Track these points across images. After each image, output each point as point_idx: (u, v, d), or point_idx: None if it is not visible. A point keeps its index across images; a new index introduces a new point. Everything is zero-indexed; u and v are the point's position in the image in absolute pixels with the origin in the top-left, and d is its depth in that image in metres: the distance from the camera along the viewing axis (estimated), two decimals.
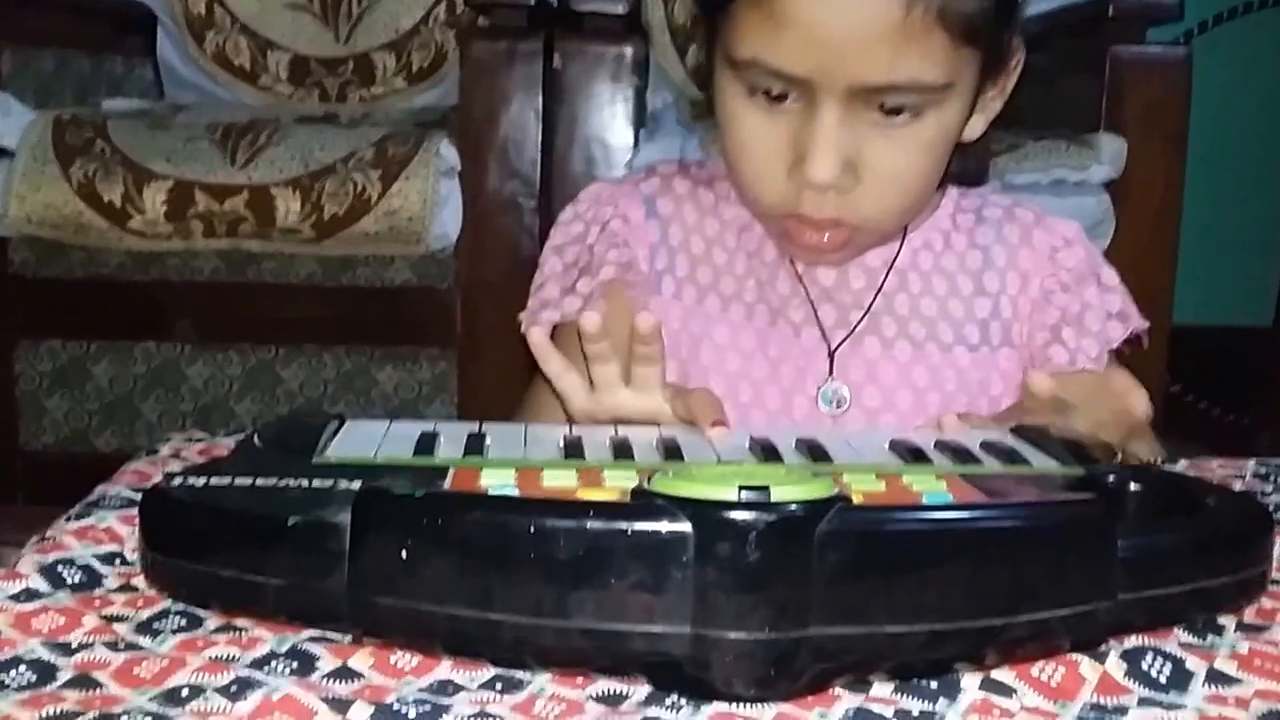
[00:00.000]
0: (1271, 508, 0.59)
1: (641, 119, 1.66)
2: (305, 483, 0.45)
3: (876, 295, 0.80)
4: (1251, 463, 0.66)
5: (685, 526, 0.39)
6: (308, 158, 1.62)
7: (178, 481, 0.45)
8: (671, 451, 0.54)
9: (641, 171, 0.86)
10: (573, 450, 0.53)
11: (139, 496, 0.56)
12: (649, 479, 0.42)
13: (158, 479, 0.60)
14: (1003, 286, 0.82)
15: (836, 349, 0.80)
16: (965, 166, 0.82)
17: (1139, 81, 1.53)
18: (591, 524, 0.39)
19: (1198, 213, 1.74)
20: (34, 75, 1.86)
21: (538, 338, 0.68)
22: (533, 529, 0.39)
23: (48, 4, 2.03)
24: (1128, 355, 0.81)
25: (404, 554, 0.40)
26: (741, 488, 0.40)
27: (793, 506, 0.39)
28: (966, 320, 0.81)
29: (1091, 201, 1.54)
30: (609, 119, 1.61)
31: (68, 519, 0.52)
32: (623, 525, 0.39)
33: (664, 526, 0.39)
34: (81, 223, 1.61)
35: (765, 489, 0.40)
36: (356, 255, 1.64)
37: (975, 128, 0.77)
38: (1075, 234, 0.84)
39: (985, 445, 0.55)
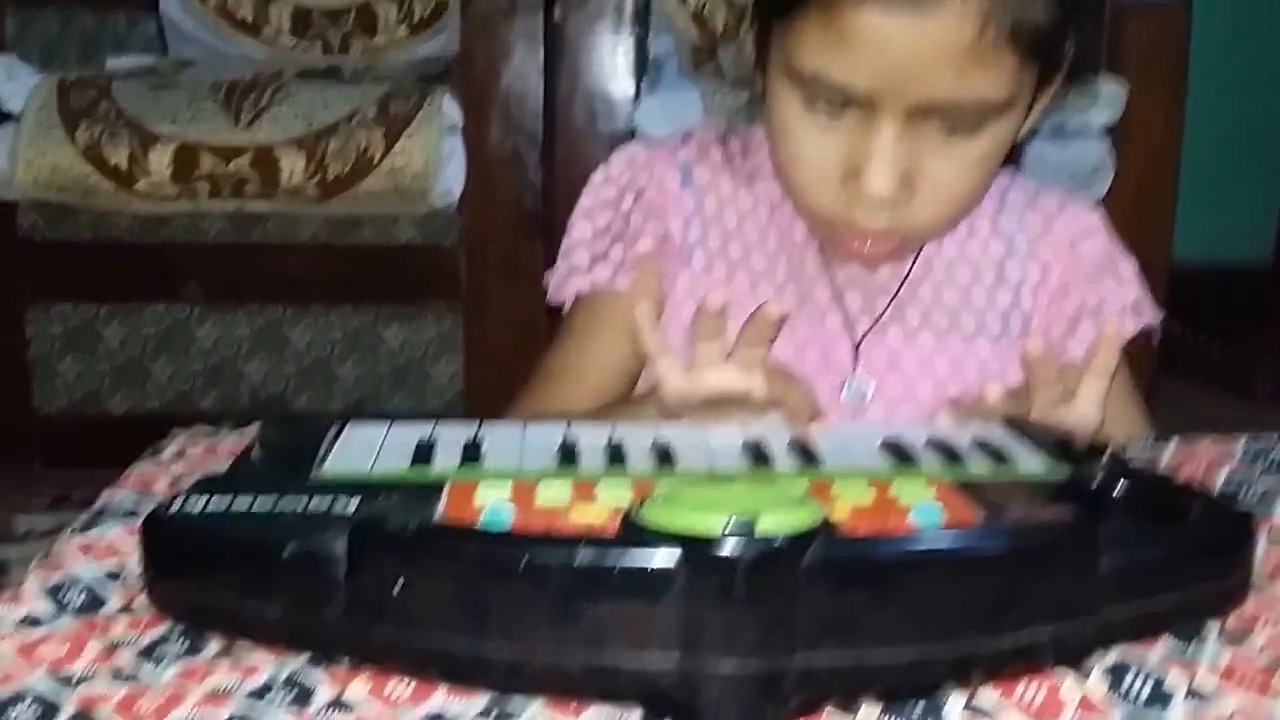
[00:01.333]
0: (1260, 491, 0.59)
1: (643, 68, 1.65)
2: (303, 504, 0.46)
3: (902, 284, 0.80)
4: (1242, 442, 0.65)
5: (673, 560, 0.39)
6: (311, 116, 1.62)
7: (177, 505, 0.46)
8: (664, 457, 0.54)
9: (677, 137, 0.84)
10: (568, 456, 0.54)
11: (143, 505, 0.56)
12: (640, 504, 0.42)
13: (162, 481, 0.61)
14: (1024, 276, 0.81)
15: (861, 341, 0.79)
16: None
17: (1138, 25, 1.51)
18: (581, 558, 0.39)
19: (1198, 150, 1.73)
20: (38, 35, 1.85)
21: (643, 313, 0.65)
22: (524, 564, 0.39)
23: None
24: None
25: (397, 587, 0.40)
26: (727, 521, 0.40)
27: (779, 539, 0.39)
28: (988, 310, 0.80)
29: (1091, 146, 1.53)
30: (610, 71, 1.59)
31: (72, 531, 0.53)
32: (611, 559, 0.39)
33: (652, 560, 0.39)
34: (88, 185, 1.61)
35: (750, 521, 0.40)
36: (361, 214, 1.64)
37: (1028, 125, 0.75)
38: (1097, 223, 0.83)
39: (976, 443, 0.55)
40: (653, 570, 0.39)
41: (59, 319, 1.70)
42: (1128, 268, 0.82)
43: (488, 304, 1.64)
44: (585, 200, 0.83)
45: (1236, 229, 2.34)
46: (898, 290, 0.80)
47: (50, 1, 1.89)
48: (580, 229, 0.82)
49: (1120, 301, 0.81)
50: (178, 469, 0.63)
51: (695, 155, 0.83)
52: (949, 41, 0.65)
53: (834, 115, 0.69)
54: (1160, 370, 1.57)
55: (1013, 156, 0.86)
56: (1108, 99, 1.51)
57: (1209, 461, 0.63)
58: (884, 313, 0.79)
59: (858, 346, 0.79)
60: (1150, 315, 0.81)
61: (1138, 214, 1.49)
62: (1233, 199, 2.34)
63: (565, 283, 0.81)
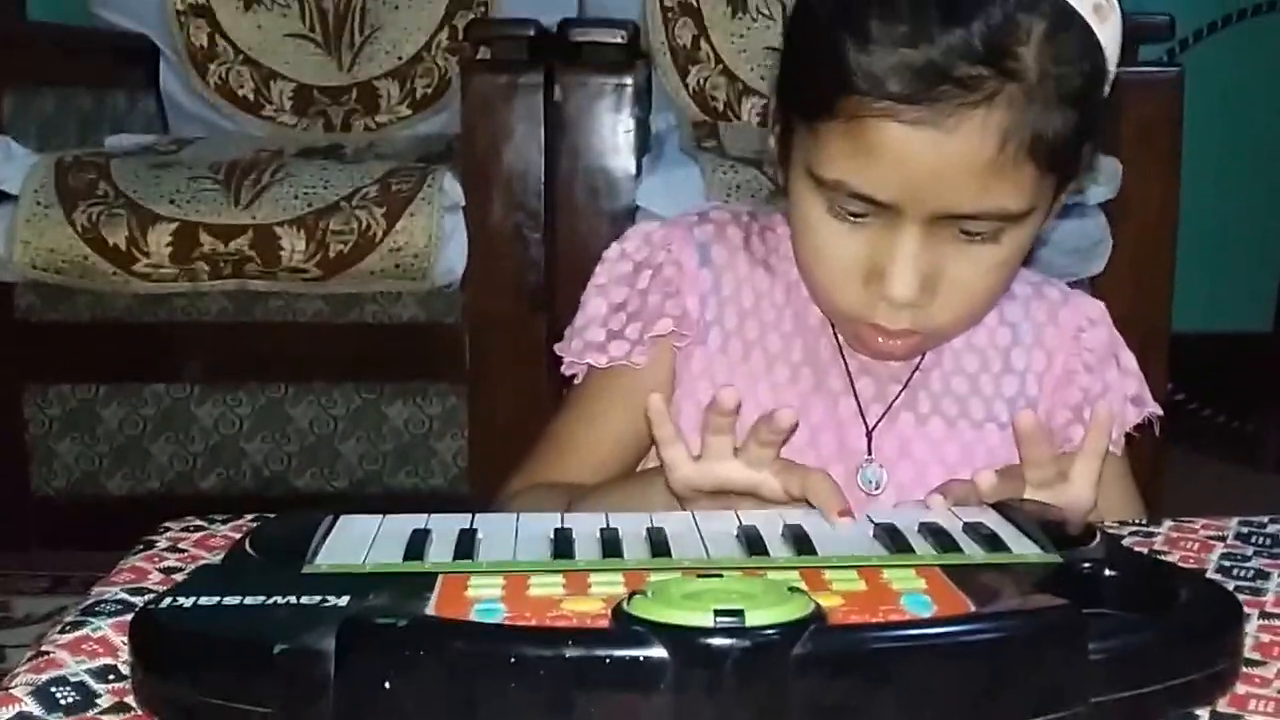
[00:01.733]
0: (1251, 573, 0.60)
1: (644, 144, 1.68)
2: (294, 599, 0.47)
3: (914, 372, 0.81)
4: (1234, 522, 0.66)
5: (662, 653, 0.40)
6: (312, 196, 1.65)
7: (166, 602, 0.47)
8: (659, 546, 0.55)
9: (694, 215, 0.86)
10: (562, 547, 0.54)
11: (134, 599, 0.57)
12: (631, 596, 0.43)
13: (154, 575, 0.62)
14: (1029, 364, 0.83)
15: (874, 428, 0.81)
16: None
17: (1132, 102, 1.55)
18: (570, 652, 0.40)
19: (1197, 220, 1.77)
20: (36, 115, 1.89)
21: (656, 403, 0.67)
22: (513, 658, 0.40)
23: (48, 43, 2.06)
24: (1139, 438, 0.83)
25: (387, 684, 0.41)
26: (717, 612, 0.41)
27: (768, 631, 0.40)
28: (996, 397, 0.82)
29: (1089, 223, 1.55)
30: (611, 149, 1.62)
31: (62, 629, 0.54)
32: (601, 653, 0.40)
33: (641, 653, 0.40)
34: (87, 266, 1.64)
35: (740, 613, 0.41)
36: (363, 292, 1.67)
37: (1047, 226, 0.78)
38: (1100, 314, 0.85)
39: (967, 528, 0.56)
40: (643, 662, 0.40)
41: (57, 400, 1.71)
42: (1129, 359, 0.84)
43: (491, 380, 1.65)
44: (600, 276, 0.85)
45: (1236, 300, 2.38)
46: (909, 378, 0.81)
47: (48, 81, 1.93)
48: (595, 304, 0.84)
49: (1122, 391, 0.83)
50: (171, 562, 0.63)
51: (713, 234, 0.84)
52: (970, 156, 0.67)
53: (856, 219, 0.71)
54: (1165, 441, 1.58)
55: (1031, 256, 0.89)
56: (1105, 176, 1.54)
57: (1202, 542, 0.64)
58: (896, 399, 0.81)
59: (870, 433, 0.80)
60: (1150, 408, 0.83)
61: (1137, 287, 1.51)
62: (1231, 270, 2.38)
63: (580, 358, 0.83)
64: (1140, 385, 0.84)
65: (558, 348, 0.85)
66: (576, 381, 0.85)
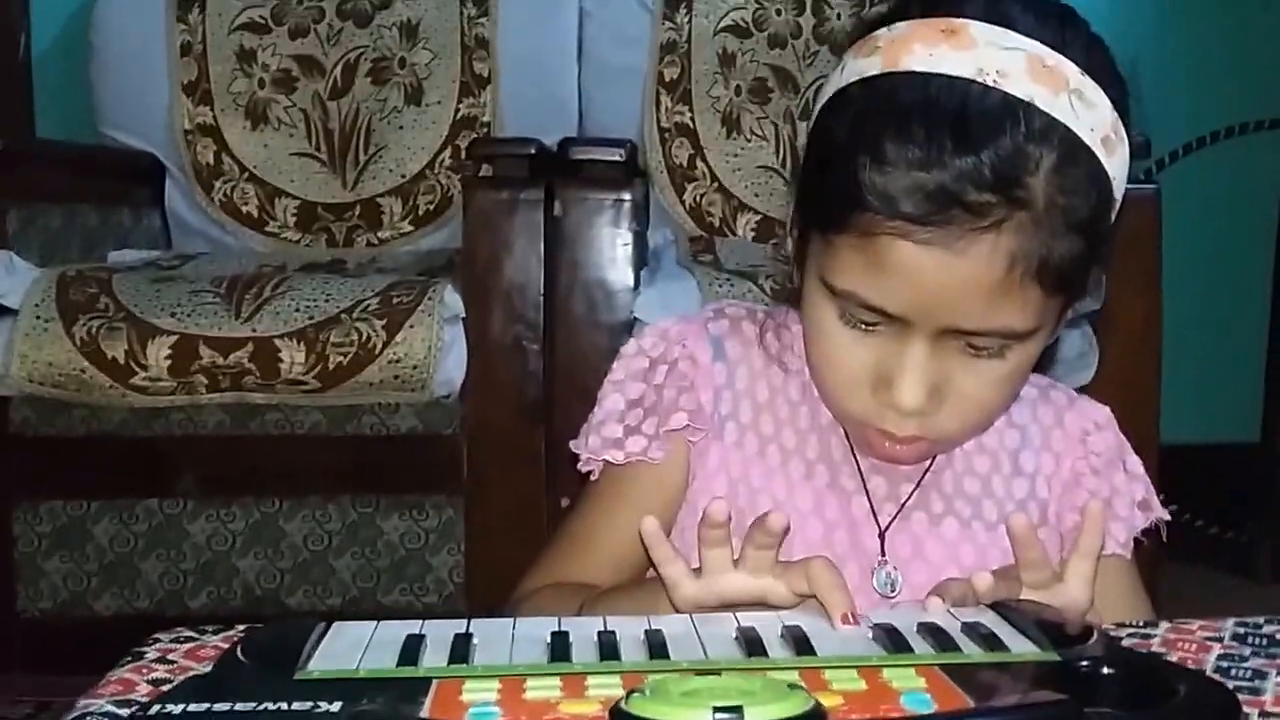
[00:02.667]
0: (1249, 673, 0.59)
1: (642, 260, 1.70)
2: (285, 705, 0.46)
3: (926, 473, 0.82)
4: (1230, 623, 0.66)
5: None
6: (312, 308, 1.66)
7: (155, 710, 0.46)
8: (657, 649, 0.54)
9: (710, 311, 0.88)
10: (559, 651, 0.54)
11: (120, 711, 0.56)
12: (627, 697, 0.43)
13: (142, 687, 0.61)
14: (1038, 467, 0.84)
15: (887, 528, 0.81)
16: None
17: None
18: None
19: (1182, 334, 1.81)
20: (40, 230, 1.92)
21: (649, 526, 0.67)
22: None
23: (55, 161, 2.11)
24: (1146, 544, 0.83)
25: None
26: (715, 709, 0.40)
27: None
28: (1007, 499, 0.83)
29: (1076, 334, 1.57)
30: (610, 263, 1.64)
31: None
32: None
33: None
34: (84, 380, 1.65)
35: (739, 709, 0.40)
36: (361, 404, 1.67)
37: (1052, 339, 0.79)
38: (1105, 419, 0.86)
39: (966, 628, 0.56)
40: None
41: (48, 517, 1.70)
42: (1135, 464, 0.85)
43: (489, 492, 1.65)
44: (617, 372, 0.86)
45: (1223, 411, 2.41)
46: (921, 478, 0.82)
47: (53, 198, 1.96)
48: (613, 400, 0.85)
49: (1129, 495, 0.83)
50: (160, 673, 0.63)
51: (727, 329, 0.86)
52: (978, 278, 0.69)
53: (867, 327, 0.73)
54: (1160, 554, 1.59)
55: (1045, 369, 0.90)
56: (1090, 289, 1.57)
57: (1199, 643, 0.64)
58: (908, 500, 0.82)
59: (883, 533, 0.80)
60: (1158, 513, 0.84)
61: (1124, 398, 1.51)
62: (1217, 382, 2.41)
63: (597, 454, 0.83)
64: (1147, 490, 0.84)
65: (574, 444, 0.86)
66: (593, 478, 0.85)
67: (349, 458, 1.69)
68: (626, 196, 1.64)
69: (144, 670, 0.63)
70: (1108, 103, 0.72)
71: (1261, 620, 0.67)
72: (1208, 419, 2.35)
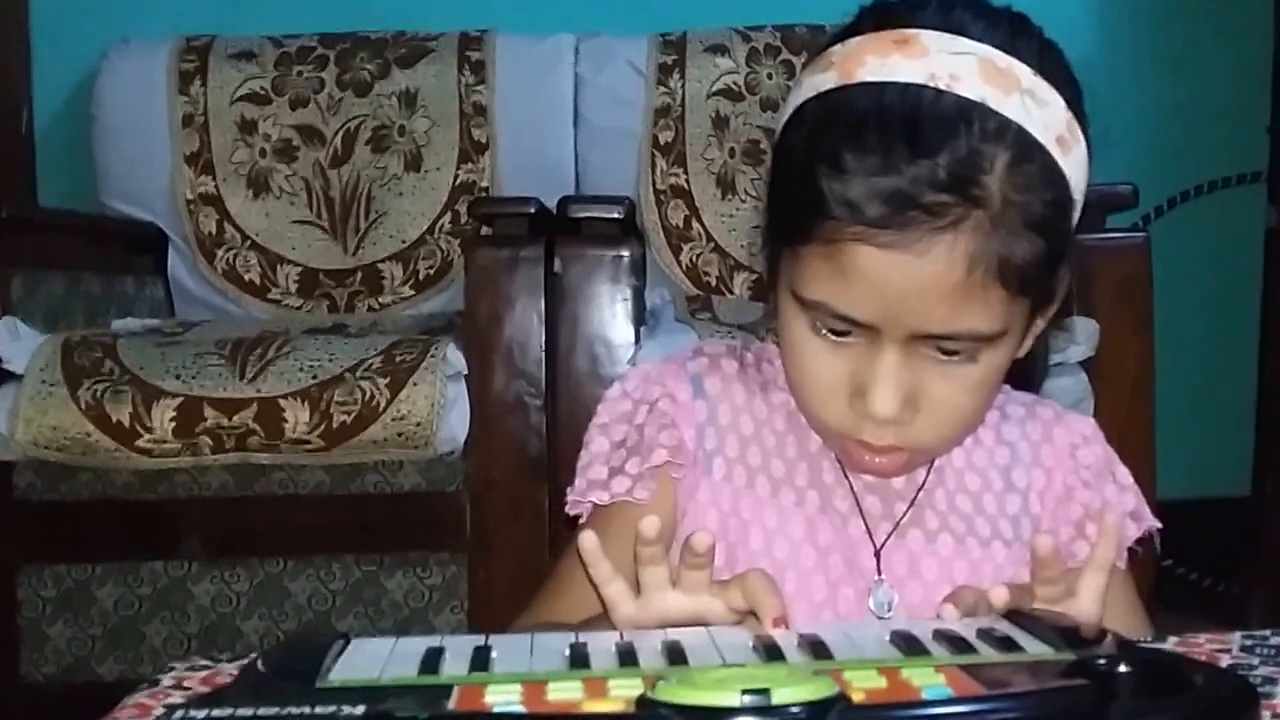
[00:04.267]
0: (1259, 680, 0.59)
1: (641, 317, 1.71)
2: (308, 710, 0.46)
3: (919, 491, 0.83)
4: (1238, 635, 0.66)
5: None
6: (316, 368, 1.67)
7: (178, 715, 0.46)
8: (676, 655, 0.54)
9: (689, 351, 0.89)
10: (578, 659, 0.54)
11: None
12: (653, 686, 0.43)
13: (158, 711, 0.61)
14: (1030, 482, 0.84)
15: (883, 546, 0.81)
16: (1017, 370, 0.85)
17: (1104, 266, 1.61)
18: None
19: (1174, 388, 1.81)
20: (44, 298, 1.92)
21: (587, 542, 0.68)
22: None
23: (58, 229, 2.12)
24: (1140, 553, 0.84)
25: None
26: (743, 691, 0.41)
27: (795, 708, 0.40)
28: (1000, 515, 0.83)
29: (1070, 381, 1.59)
30: (609, 318, 1.65)
31: None
32: None
33: None
34: (89, 443, 1.65)
35: (766, 691, 0.41)
36: (365, 462, 1.67)
37: (1024, 348, 0.80)
38: (1093, 431, 0.87)
39: (981, 633, 0.56)
40: None
41: (52, 581, 1.69)
42: (1124, 474, 0.86)
43: (492, 549, 1.64)
44: (602, 415, 0.87)
45: (1215, 465, 2.42)
46: (915, 496, 0.82)
47: (57, 266, 1.97)
48: (598, 443, 0.85)
49: (1121, 506, 0.84)
50: (175, 699, 0.62)
51: (706, 366, 0.86)
52: (940, 279, 0.70)
53: (839, 337, 0.74)
54: (1155, 605, 1.59)
55: (1031, 377, 0.91)
56: (1083, 335, 1.59)
57: (1208, 655, 0.64)
58: (903, 517, 0.82)
59: (878, 552, 0.80)
60: (1149, 521, 0.84)
61: (1120, 444, 1.53)
62: (1209, 436, 2.42)
63: (584, 496, 0.83)
64: (1138, 499, 0.85)
65: (567, 492, 0.86)
66: (582, 522, 0.86)
67: (353, 517, 1.69)
68: (625, 253, 1.66)
69: (160, 696, 0.63)
70: (1061, 103, 0.72)
71: (1268, 633, 0.67)
72: (1200, 473, 2.36)
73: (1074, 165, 0.73)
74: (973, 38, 0.72)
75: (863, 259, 0.70)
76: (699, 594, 0.65)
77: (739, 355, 0.87)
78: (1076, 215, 0.75)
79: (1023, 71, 0.71)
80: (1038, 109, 0.71)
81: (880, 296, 0.71)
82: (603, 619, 0.77)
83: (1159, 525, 0.84)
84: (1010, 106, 0.70)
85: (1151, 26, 2.51)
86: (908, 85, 0.71)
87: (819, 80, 0.75)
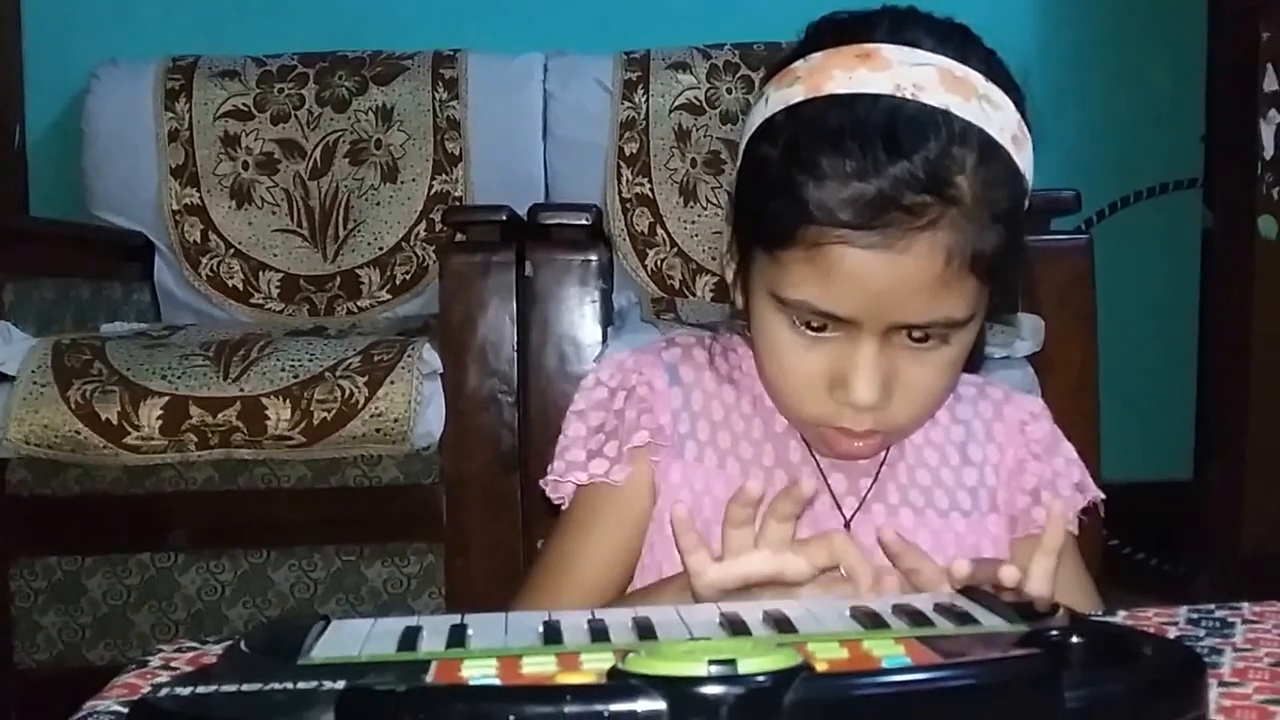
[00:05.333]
0: (1205, 651, 0.59)
1: (609, 317, 1.71)
2: (290, 685, 0.45)
3: (881, 466, 0.83)
4: (1184, 609, 0.66)
5: (659, 704, 0.39)
6: (297, 368, 1.65)
7: (164, 691, 0.45)
8: (645, 630, 0.53)
9: (662, 341, 0.88)
10: (552, 635, 0.53)
11: (127, 711, 0.55)
12: (624, 659, 0.42)
13: (146, 690, 0.59)
14: (985, 457, 0.85)
15: (850, 520, 0.81)
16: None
17: (1048, 266, 1.62)
18: (569, 708, 0.39)
19: (1118, 381, 1.83)
20: (35, 304, 1.90)
21: (679, 512, 0.67)
22: (513, 717, 0.39)
23: (49, 238, 2.09)
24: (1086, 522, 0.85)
25: None
26: (710, 662, 0.40)
27: (760, 678, 0.39)
28: (958, 488, 0.84)
29: (1017, 374, 1.59)
30: (578, 319, 1.64)
31: None
32: (599, 707, 0.39)
33: (639, 705, 0.39)
34: (79, 441, 1.62)
35: (733, 662, 0.40)
36: (344, 457, 1.65)
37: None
38: (1040, 409, 0.88)
39: (939, 608, 0.56)
40: (641, 714, 0.38)
41: (43, 572, 1.66)
42: (1069, 449, 0.87)
43: (468, 539, 1.63)
44: (578, 403, 0.86)
45: (1159, 452, 2.44)
46: (878, 471, 0.83)
47: (48, 273, 1.95)
48: (575, 428, 0.85)
49: (1069, 478, 0.85)
50: (163, 679, 0.61)
51: (680, 356, 0.86)
52: (921, 274, 0.70)
53: (818, 333, 0.74)
54: (1104, 583, 1.60)
55: (976, 365, 0.91)
56: (1028, 331, 1.60)
57: (1156, 628, 0.64)
58: (868, 492, 0.82)
59: (848, 524, 0.80)
60: (1094, 493, 0.86)
61: (1066, 432, 1.54)
62: (1152, 425, 2.44)
63: (564, 478, 0.82)
64: (1083, 472, 0.86)
65: (542, 481, 0.85)
66: (564, 508, 0.85)
67: (333, 509, 1.67)
68: (593, 257, 1.65)
69: (148, 675, 0.61)
70: (1011, 105, 0.74)
71: (1213, 606, 0.67)
72: (1144, 459, 2.38)
73: (1025, 161, 0.75)
74: (927, 50, 0.73)
75: (847, 260, 0.70)
76: (782, 549, 0.65)
77: (708, 346, 0.87)
78: (1026, 204, 0.76)
79: (977, 79, 0.73)
80: (994, 112, 0.72)
81: (864, 294, 0.71)
82: (649, 592, 0.77)
83: (1103, 496, 0.86)
84: (971, 111, 0.71)
85: (1093, 40, 2.54)
86: (878, 95, 0.71)
87: (786, 94, 0.74)
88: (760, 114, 0.76)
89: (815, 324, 0.73)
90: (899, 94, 0.71)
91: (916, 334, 0.73)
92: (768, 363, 0.78)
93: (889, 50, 0.72)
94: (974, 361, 0.86)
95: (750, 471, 0.82)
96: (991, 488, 0.84)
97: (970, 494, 0.83)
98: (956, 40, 0.74)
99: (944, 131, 0.70)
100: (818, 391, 0.75)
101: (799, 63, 0.75)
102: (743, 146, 0.78)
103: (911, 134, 0.70)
